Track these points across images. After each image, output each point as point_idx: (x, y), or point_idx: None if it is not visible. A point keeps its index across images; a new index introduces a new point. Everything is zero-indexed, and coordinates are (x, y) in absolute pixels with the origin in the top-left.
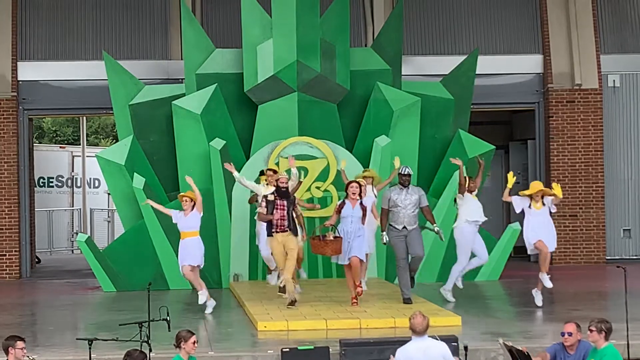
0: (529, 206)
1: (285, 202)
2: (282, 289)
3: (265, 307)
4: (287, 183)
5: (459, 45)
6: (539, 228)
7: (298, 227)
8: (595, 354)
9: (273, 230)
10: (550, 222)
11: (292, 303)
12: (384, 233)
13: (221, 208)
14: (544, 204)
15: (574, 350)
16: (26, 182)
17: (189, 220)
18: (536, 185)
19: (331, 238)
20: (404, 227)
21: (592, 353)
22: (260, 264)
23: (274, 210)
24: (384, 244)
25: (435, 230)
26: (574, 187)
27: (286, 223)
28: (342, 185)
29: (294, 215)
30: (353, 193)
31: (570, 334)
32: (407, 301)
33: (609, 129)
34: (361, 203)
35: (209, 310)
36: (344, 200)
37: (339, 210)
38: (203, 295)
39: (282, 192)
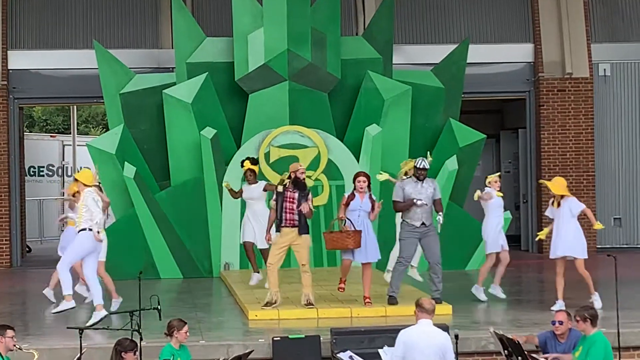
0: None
1: (296, 195)
2: (267, 304)
3: (256, 295)
4: (303, 173)
5: (450, 34)
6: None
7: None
8: (585, 341)
9: (282, 223)
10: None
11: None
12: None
13: (212, 197)
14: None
15: (564, 338)
16: (16, 172)
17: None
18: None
19: (350, 231)
20: (422, 223)
21: (582, 340)
22: None
23: (283, 203)
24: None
25: (438, 218)
26: (565, 176)
27: (296, 217)
28: (333, 174)
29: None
30: (361, 187)
31: (561, 323)
32: (391, 300)
33: (600, 118)
34: (370, 196)
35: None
36: (352, 193)
37: (347, 203)
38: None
39: (299, 184)
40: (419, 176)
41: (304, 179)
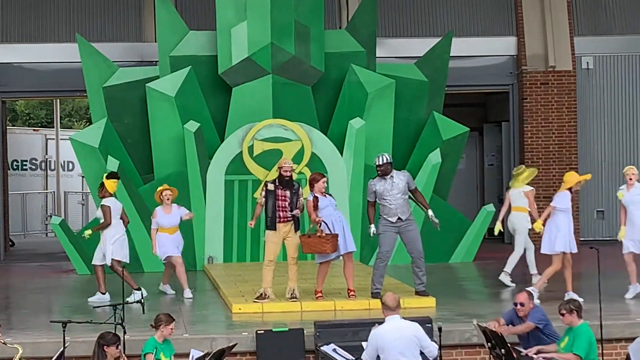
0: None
1: (287, 193)
2: (259, 297)
3: (239, 289)
4: (291, 171)
5: (433, 28)
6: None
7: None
8: (571, 332)
9: (276, 221)
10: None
11: (262, 297)
12: (372, 225)
13: (195, 191)
14: None
15: (525, 318)
16: (0, 165)
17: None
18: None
19: (328, 235)
20: (398, 218)
21: (568, 331)
22: (235, 247)
23: (275, 202)
24: (372, 235)
25: (429, 215)
26: (548, 169)
27: (289, 214)
28: (317, 168)
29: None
30: (323, 188)
31: (522, 304)
32: (375, 296)
33: (583, 110)
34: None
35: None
36: (315, 196)
37: (315, 206)
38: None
39: (284, 182)
40: (382, 173)
41: (288, 176)
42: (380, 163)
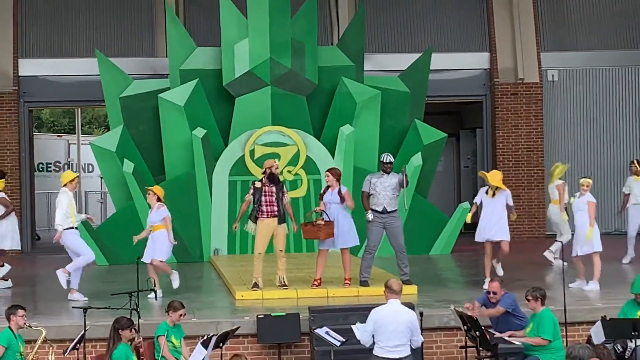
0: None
1: (274, 189)
2: (254, 286)
3: (242, 278)
4: (277, 169)
5: (415, 45)
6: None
7: (288, 217)
8: (534, 318)
9: (263, 215)
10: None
11: (256, 285)
12: (369, 212)
13: (202, 190)
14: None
15: (497, 303)
16: (27, 167)
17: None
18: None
19: (322, 223)
20: (384, 208)
21: (532, 318)
22: (238, 240)
23: (262, 197)
24: (369, 221)
25: (403, 169)
26: (517, 170)
27: (276, 208)
28: (311, 169)
29: (283, 203)
30: (326, 182)
31: (495, 293)
32: (363, 284)
33: (549, 118)
34: (339, 190)
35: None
36: (327, 187)
37: (322, 196)
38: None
39: (272, 178)
40: (386, 169)
41: (278, 174)
42: (387, 161)
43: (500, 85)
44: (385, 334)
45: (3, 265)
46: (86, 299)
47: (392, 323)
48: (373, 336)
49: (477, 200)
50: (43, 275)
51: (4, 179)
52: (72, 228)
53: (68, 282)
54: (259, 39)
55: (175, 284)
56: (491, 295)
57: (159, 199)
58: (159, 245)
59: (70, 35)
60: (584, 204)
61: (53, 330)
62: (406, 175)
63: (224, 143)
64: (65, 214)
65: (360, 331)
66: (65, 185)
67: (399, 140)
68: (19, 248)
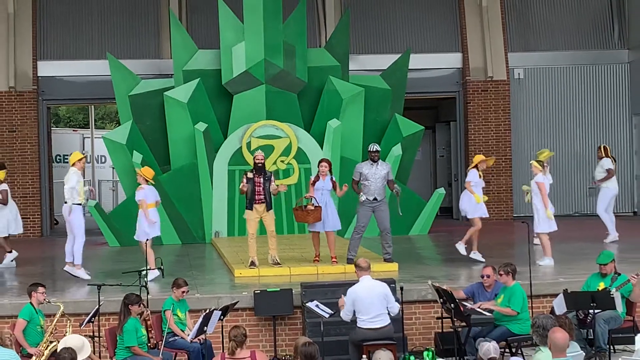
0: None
1: (261, 179)
2: (251, 264)
3: (240, 257)
4: (263, 159)
5: (395, 46)
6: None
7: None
8: (505, 290)
9: (254, 202)
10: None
11: (252, 264)
12: (362, 193)
13: (204, 178)
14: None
15: (491, 289)
16: (45, 159)
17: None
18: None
19: (312, 208)
20: (375, 198)
21: (503, 290)
22: (237, 223)
23: (254, 187)
24: (362, 201)
25: (395, 191)
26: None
27: (262, 196)
28: (302, 159)
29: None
30: (322, 171)
31: (488, 276)
32: (350, 262)
33: (515, 112)
34: (331, 178)
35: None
36: (317, 175)
37: (313, 183)
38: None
39: (257, 168)
40: (373, 157)
41: (260, 162)
42: (374, 150)
43: (472, 83)
44: (364, 307)
45: (11, 252)
46: (89, 277)
47: (367, 297)
48: (354, 312)
49: (475, 178)
50: (61, 257)
51: (4, 170)
52: (79, 205)
53: (73, 271)
54: (254, 42)
55: (150, 277)
56: (485, 278)
57: (146, 181)
58: (138, 227)
59: (84, 40)
60: (535, 186)
61: (70, 305)
62: (399, 190)
63: (223, 136)
64: (74, 189)
65: (343, 313)
66: (74, 165)
67: (381, 133)
68: (21, 231)
